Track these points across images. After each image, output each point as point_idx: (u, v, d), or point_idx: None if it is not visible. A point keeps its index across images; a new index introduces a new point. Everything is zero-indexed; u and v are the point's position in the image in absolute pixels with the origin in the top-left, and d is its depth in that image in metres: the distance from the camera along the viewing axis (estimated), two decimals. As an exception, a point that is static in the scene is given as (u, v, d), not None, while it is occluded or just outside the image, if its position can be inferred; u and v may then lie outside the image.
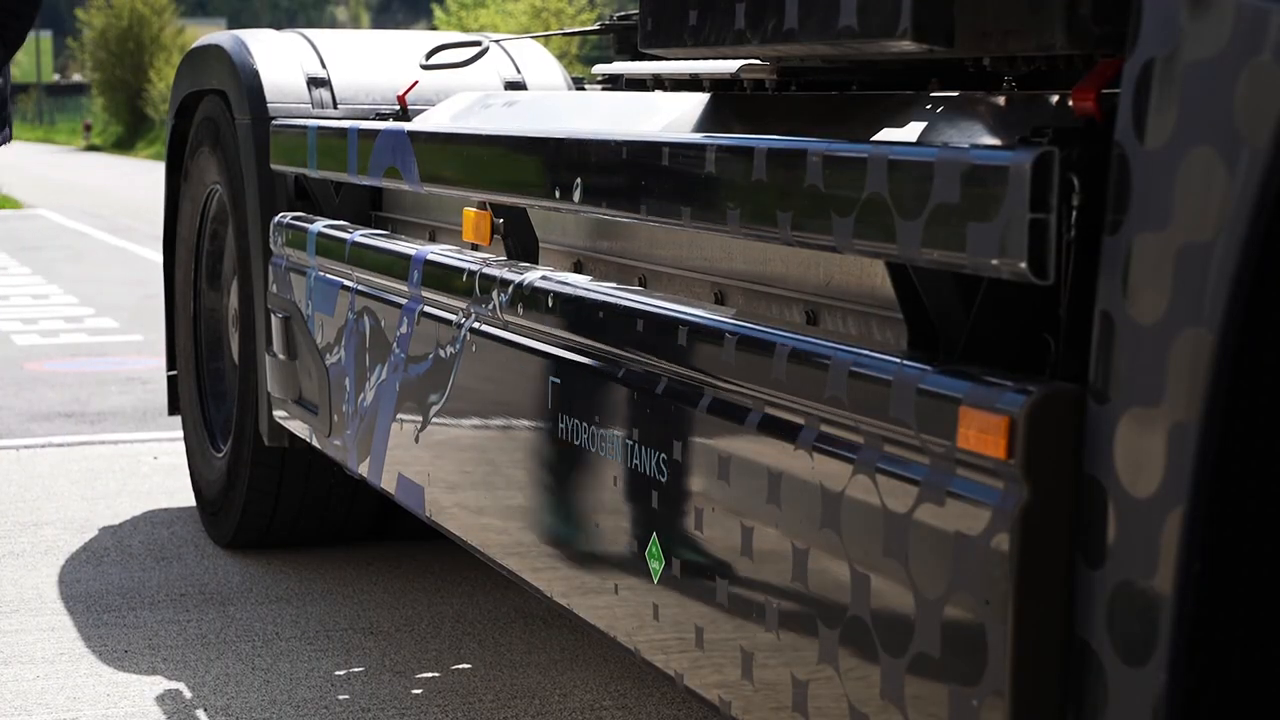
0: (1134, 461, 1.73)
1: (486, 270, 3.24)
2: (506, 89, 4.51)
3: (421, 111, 4.34)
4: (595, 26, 4.66)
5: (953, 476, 1.94)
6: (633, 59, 4.04)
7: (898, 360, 2.08)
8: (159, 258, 5.64)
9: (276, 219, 4.36)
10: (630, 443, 2.66)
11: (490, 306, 3.19)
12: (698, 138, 2.67)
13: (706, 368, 2.48)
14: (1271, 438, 1.75)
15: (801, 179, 2.22)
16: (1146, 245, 1.72)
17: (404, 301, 3.61)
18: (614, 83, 4.04)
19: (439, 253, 3.55)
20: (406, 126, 3.79)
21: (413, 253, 3.63)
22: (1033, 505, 1.83)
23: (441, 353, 3.39)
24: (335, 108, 4.43)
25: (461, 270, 3.36)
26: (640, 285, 3.15)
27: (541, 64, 4.71)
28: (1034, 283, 1.85)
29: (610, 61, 4.24)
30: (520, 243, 3.45)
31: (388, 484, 3.66)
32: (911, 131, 2.41)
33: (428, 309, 3.50)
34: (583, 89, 4.55)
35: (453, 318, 3.36)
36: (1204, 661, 1.74)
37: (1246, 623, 1.78)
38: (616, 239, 3.29)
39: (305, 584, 4.59)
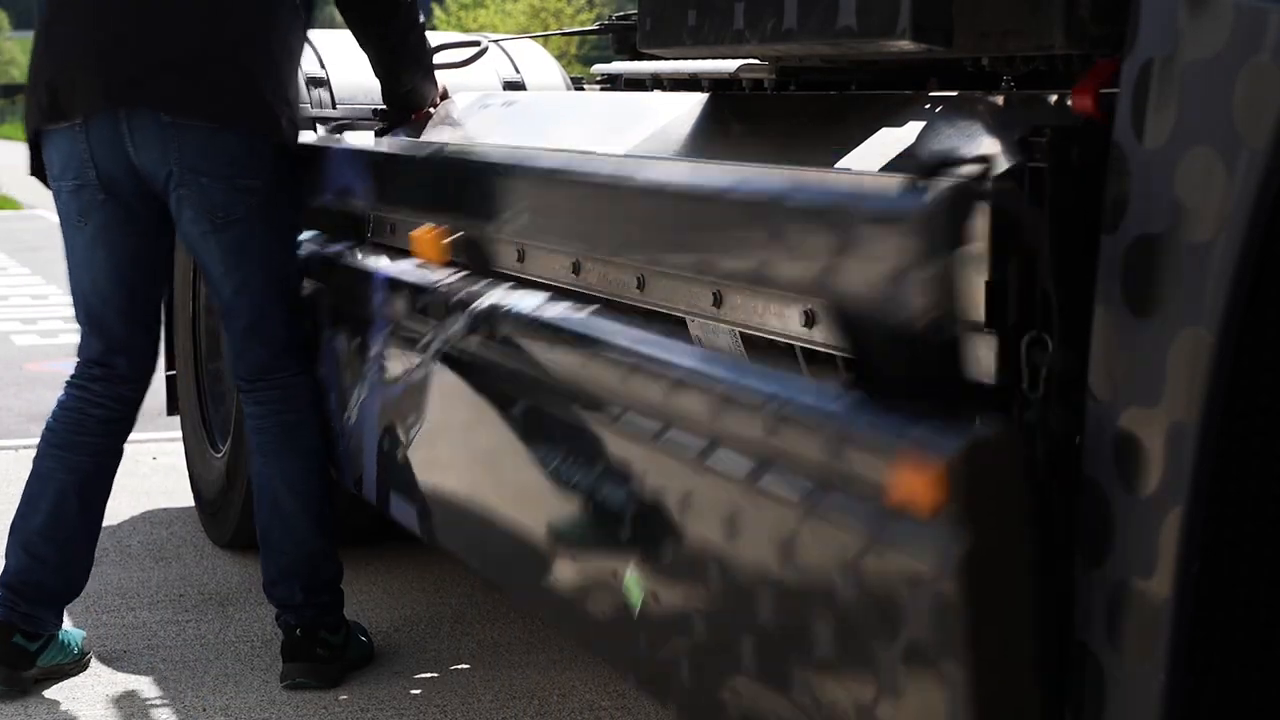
0: (1133, 461, 1.73)
1: (447, 290, 3.17)
2: (505, 89, 4.51)
3: (420, 111, 4.33)
4: (594, 26, 4.66)
5: (889, 520, 1.90)
6: (632, 59, 4.04)
7: (834, 397, 2.05)
8: (158, 258, 5.61)
9: None
10: (593, 468, 2.63)
11: (454, 327, 3.12)
12: (628, 164, 2.66)
13: (654, 399, 2.44)
14: (1271, 438, 1.75)
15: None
16: (1145, 245, 1.72)
17: (372, 321, 3.56)
18: (613, 83, 4.04)
19: (400, 272, 3.44)
20: (359, 145, 3.79)
21: (374, 271, 3.54)
22: (974, 551, 1.80)
23: (412, 374, 3.33)
24: (334, 107, 4.42)
25: (423, 290, 3.28)
26: (638, 286, 3.14)
27: (540, 64, 4.71)
28: (967, 320, 1.85)
29: (609, 61, 4.24)
30: (479, 261, 3.38)
31: (381, 502, 3.64)
32: (910, 131, 2.41)
33: (394, 329, 3.43)
34: (581, 89, 4.55)
35: (418, 339, 3.28)
36: (1204, 661, 1.74)
37: (1246, 623, 1.78)
38: (613, 240, 3.27)
39: (304, 584, 4.57)
